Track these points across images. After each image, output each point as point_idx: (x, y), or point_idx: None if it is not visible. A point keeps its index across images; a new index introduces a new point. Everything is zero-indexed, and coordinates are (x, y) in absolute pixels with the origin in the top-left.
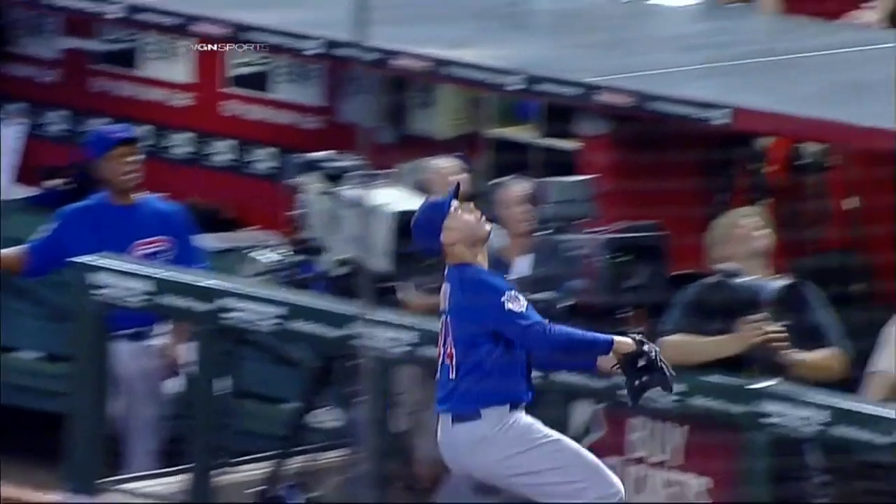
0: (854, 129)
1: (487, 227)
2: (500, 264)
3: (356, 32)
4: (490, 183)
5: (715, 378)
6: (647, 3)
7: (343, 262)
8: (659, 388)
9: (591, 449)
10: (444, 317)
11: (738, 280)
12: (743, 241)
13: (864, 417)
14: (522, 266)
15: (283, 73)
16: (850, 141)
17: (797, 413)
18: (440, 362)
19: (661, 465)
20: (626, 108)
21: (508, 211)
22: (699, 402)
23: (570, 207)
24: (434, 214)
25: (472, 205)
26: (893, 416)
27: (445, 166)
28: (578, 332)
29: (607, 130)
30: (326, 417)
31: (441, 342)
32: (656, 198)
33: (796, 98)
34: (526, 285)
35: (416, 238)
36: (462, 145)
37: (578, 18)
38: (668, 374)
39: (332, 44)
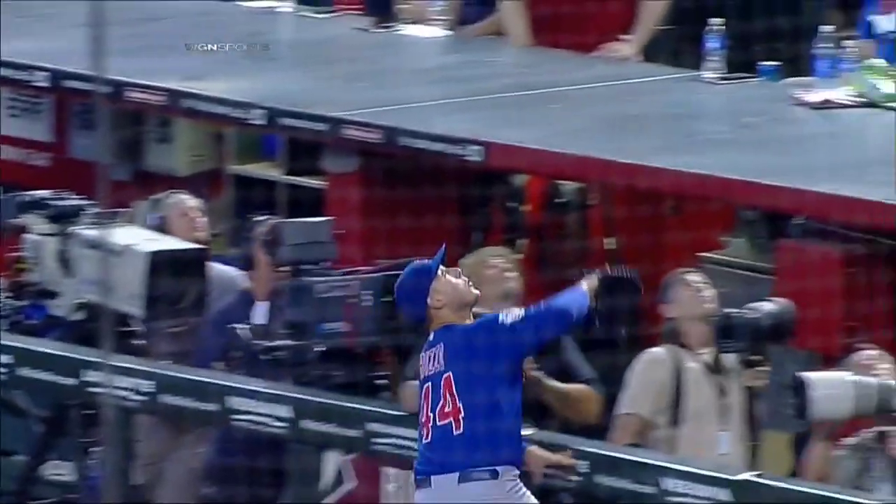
0: (613, 165)
1: (475, 291)
2: (248, 303)
3: (92, 64)
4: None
5: None
6: (396, 34)
7: (81, 307)
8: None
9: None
10: (430, 382)
11: None
12: (493, 282)
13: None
14: (261, 311)
15: (7, 107)
16: (609, 178)
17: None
18: (430, 426)
19: None
20: (376, 143)
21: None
22: None
23: (310, 249)
24: (421, 278)
25: (458, 269)
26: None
27: (184, 204)
28: (565, 296)
29: (357, 167)
30: (60, 470)
31: (428, 408)
32: (411, 236)
33: (554, 134)
34: (271, 331)
35: (402, 302)
36: (202, 182)
37: (324, 49)
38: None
39: (62, 75)
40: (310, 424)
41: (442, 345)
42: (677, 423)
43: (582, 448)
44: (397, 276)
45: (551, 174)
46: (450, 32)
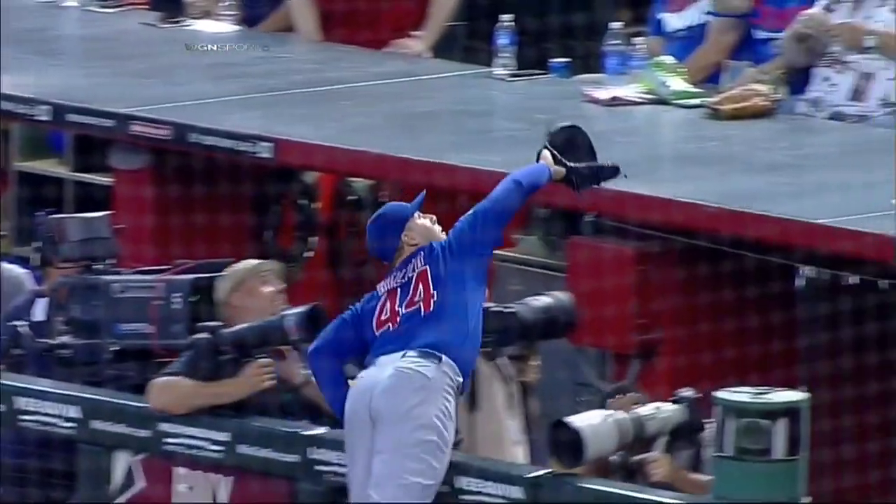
0: (406, 162)
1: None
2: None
3: None
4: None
5: (264, 424)
6: (185, 29)
7: None
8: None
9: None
10: (397, 288)
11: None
12: (263, 298)
13: None
14: (41, 307)
15: None
16: (405, 176)
17: None
18: (398, 319)
19: None
20: (165, 139)
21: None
22: (247, 450)
23: (91, 245)
24: (397, 217)
25: (432, 216)
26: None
27: None
28: (518, 176)
29: (146, 164)
30: None
31: (395, 304)
32: (204, 234)
33: (346, 130)
34: (51, 329)
35: (374, 236)
36: None
37: (112, 45)
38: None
39: None
40: (99, 425)
41: (420, 255)
42: (473, 409)
43: None
44: (205, 278)
45: (344, 171)
46: (238, 28)
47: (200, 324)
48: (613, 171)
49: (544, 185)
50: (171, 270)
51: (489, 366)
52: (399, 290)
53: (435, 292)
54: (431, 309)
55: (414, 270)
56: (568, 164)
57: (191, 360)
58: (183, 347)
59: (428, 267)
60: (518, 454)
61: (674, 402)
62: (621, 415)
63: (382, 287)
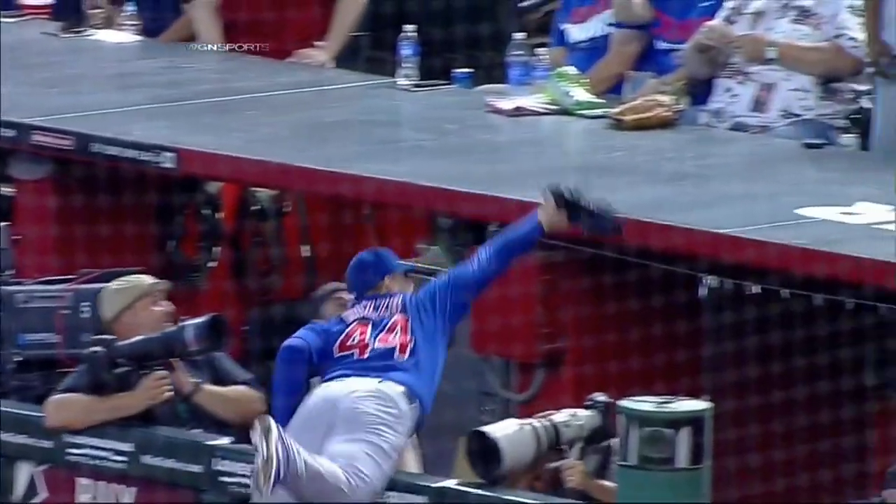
0: (312, 172)
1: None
2: None
3: None
4: None
5: (168, 434)
6: (86, 38)
7: None
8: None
9: None
10: (369, 321)
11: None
12: (153, 318)
13: None
14: None
15: None
16: (307, 186)
17: None
18: (368, 349)
19: None
20: (67, 150)
21: None
22: (151, 461)
23: None
24: (391, 263)
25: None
26: None
27: None
28: (504, 237)
29: (48, 174)
30: None
31: (366, 335)
32: (108, 244)
33: (251, 140)
34: None
35: (362, 268)
36: None
37: (12, 54)
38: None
39: None
40: (2, 436)
41: (398, 298)
42: None
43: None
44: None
45: (248, 181)
46: (141, 38)
47: (94, 337)
48: (616, 229)
49: (534, 244)
50: (78, 280)
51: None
52: (372, 323)
53: (412, 342)
54: (407, 356)
55: (390, 311)
56: (576, 205)
57: (86, 374)
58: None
59: (409, 316)
60: (410, 459)
61: (587, 407)
62: (537, 422)
63: (352, 315)
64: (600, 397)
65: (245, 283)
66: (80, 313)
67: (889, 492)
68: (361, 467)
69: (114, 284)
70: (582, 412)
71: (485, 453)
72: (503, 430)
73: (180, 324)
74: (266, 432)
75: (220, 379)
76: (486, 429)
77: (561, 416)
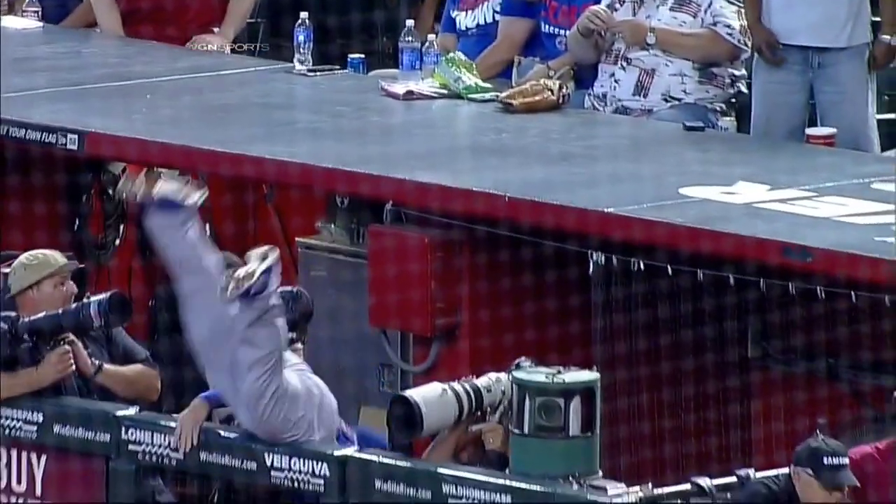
0: (216, 154)
1: None
2: None
3: None
4: None
5: (76, 405)
6: None
7: None
8: None
9: None
10: None
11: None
12: (58, 298)
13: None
14: None
15: None
16: (211, 167)
17: (160, 441)
18: None
19: (24, 494)
20: None
21: None
22: (62, 430)
23: None
24: None
25: None
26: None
27: None
28: None
29: None
30: None
31: None
32: (17, 222)
33: (153, 122)
34: None
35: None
36: None
37: None
38: None
39: None
40: None
41: None
42: None
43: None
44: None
45: (153, 163)
46: (42, 24)
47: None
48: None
49: None
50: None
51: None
52: None
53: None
54: None
55: None
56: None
57: None
58: None
59: None
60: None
61: (510, 372)
62: (459, 386)
63: None
64: (525, 362)
65: (150, 260)
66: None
67: (796, 469)
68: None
69: (24, 259)
70: (504, 377)
71: (407, 418)
72: (425, 394)
73: (84, 300)
74: (263, 258)
75: (119, 354)
76: (408, 393)
77: (483, 380)
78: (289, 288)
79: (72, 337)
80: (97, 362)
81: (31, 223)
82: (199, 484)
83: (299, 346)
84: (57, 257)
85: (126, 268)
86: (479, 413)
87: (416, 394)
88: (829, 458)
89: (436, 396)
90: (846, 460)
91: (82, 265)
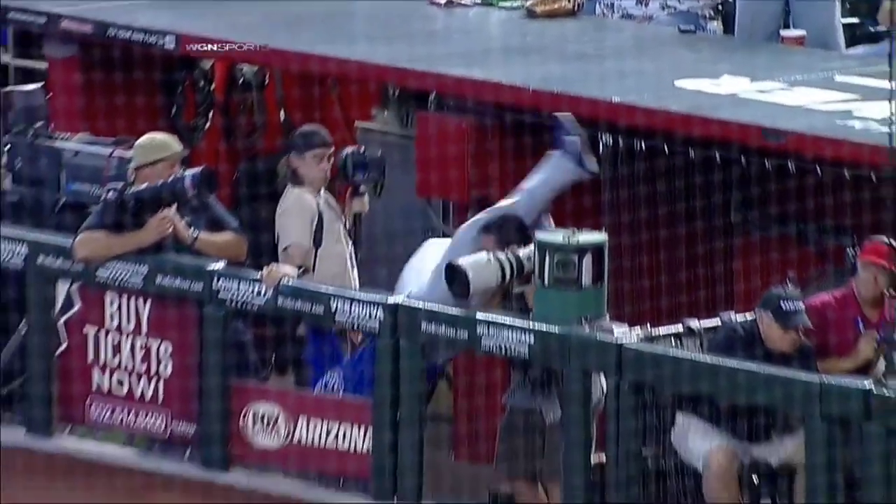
0: (285, 53)
1: None
2: None
3: None
4: None
5: (174, 259)
6: None
7: None
8: None
9: (68, 321)
10: None
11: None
12: (163, 175)
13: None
14: None
15: None
16: (281, 64)
17: (245, 289)
18: None
19: (132, 333)
20: (90, 34)
21: None
22: (160, 280)
23: (32, 112)
24: None
25: None
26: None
27: None
28: None
29: (75, 53)
30: None
31: None
32: (124, 112)
33: (235, 26)
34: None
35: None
36: None
37: None
38: None
39: None
40: (45, 260)
41: None
42: (318, 244)
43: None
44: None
45: (236, 59)
46: None
47: (109, 184)
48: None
49: None
50: (122, 146)
51: (328, 208)
52: None
53: None
54: None
55: None
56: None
57: (103, 215)
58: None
59: None
60: (354, 275)
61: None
62: (502, 255)
63: None
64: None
65: (234, 142)
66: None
67: (759, 312)
68: None
69: (147, 140)
70: None
71: (458, 282)
72: (472, 260)
73: (179, 174)
74: None
75: (214, 221)
76: (458, 261)
77: (524, 251)
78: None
79: (173, 210)
80: (195, 232)
81: (135, 112)
82: (274, 327)
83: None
84: (174, 144)
85: (213, 149)
86: (520, 278)
87: (465, 261)
88: (786, 303)
89: (482, 263)
90: (801, 305)
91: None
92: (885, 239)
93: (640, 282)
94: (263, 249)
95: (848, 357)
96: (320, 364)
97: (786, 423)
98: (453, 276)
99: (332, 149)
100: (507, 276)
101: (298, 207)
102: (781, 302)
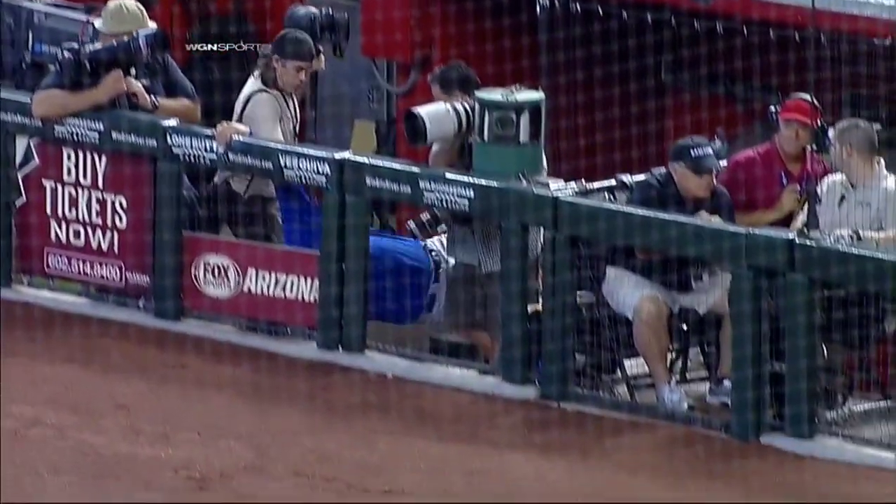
0: None
1: None
2: None
3: None
4: None
5: (129, 115)
6: None
7: None
8: None
9: (27, 176)
10: None
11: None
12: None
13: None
14: None
15: None
16: None
17: (198, 145)
18: None
19: (89, 187)
20: None
21: None
22: (116, 136)
23: None
24: None
25: None
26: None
27: None
28: None
29: None
30: None
31: None
32: None
33: None
34: None
35: None
36: None
37: None
38: None
39: None
40: (5, 116)
41: None
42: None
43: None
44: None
45: None
46: None
47: (66, 43)
48: None
49: None
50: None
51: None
52: None
53: None
54: None
55: None
56: None
57: (59, 74)
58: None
59: None
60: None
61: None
62: (460, 106)
63: None
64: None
65: (188, 4)
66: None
67: (672, 165)
68: None
69: (115, 9)
70: None
71: (414, 128)
72: (430, 110)
73: (133, 34)
74: None
75: (170, 84)
76: (416, 109)
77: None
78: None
79: (133, 80)
80: (156, 100)
81: None
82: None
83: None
84: (144, 16)
85: (168, 12)
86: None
87: (423, 109)
88: (696, 150)
89: (439, 112)
90: (710, 150)
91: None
92: (806, 96)
93: (576, 141)
94: (215, 108)
95: (772, 210)
96: (290, 219)
97: (712, 273)
98: (412, 123)
99: (314, 63)
100: (464, 127)
101: (271, 111)
102: (691, 150)
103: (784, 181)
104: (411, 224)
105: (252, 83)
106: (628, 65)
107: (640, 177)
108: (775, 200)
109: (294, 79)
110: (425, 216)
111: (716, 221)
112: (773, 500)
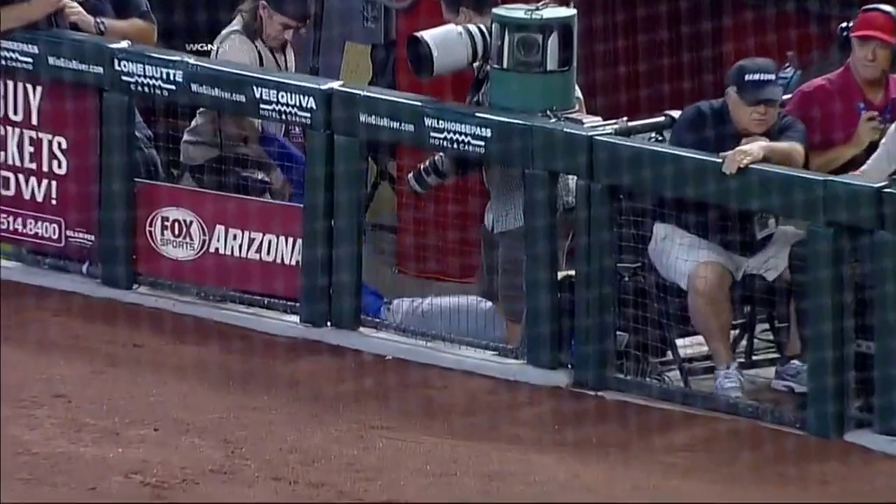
0: None
1: None
2: None
3: None
4: None
5: (70, 37)
6: None
7: None
8: None
9: None
10: None
11: None
12: None
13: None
14: None
15: None
16: None
17: (154, 72)
18: None
19: (20, 125)
20: None
21: None
22: (54, 62)
23: None
24: None
25: None
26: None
27: None
28: None
29: None
30: None
31: None
32: None
33: None
34: None
35: None
36: None
37: None
38: None
39: None
40: None
41: None
42: None
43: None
44: None
45: None
46: None
47: None
48: None
49: None
50: None
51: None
52: None
53: None
54: None
55: None
56: None
57: None
58: None
59: None
60: None
61: None
62: (474, 28)
63: None
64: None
65: None
66: None
67: (727, 89)
68: None
69: None
70: None
71: (419, 57)
72: (437, 34)
73: None
74: None
75: (120, 1)
76: (421, 33)
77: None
78: None
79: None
80: (102, 22)
81: None
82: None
83: None
84: None
85: None
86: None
87: (429, 34)
88: (752, 75)
89: (449, 37)
90: (770, 76)
91: None
92: (887, 8)
93: (616, 69)
94: (175, 30)
95: (848, 145)
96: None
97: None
98: (416, 50)
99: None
100: (479, 54)
101: (244, 59)
102: (747, 74)
103: (861, 112)
104: (410, 178)
105: (233, 24)
106: None
107: None
108: (852, 137)
109: (279, 35)
110: (425, 164)
111: (756, 147)
112: None
